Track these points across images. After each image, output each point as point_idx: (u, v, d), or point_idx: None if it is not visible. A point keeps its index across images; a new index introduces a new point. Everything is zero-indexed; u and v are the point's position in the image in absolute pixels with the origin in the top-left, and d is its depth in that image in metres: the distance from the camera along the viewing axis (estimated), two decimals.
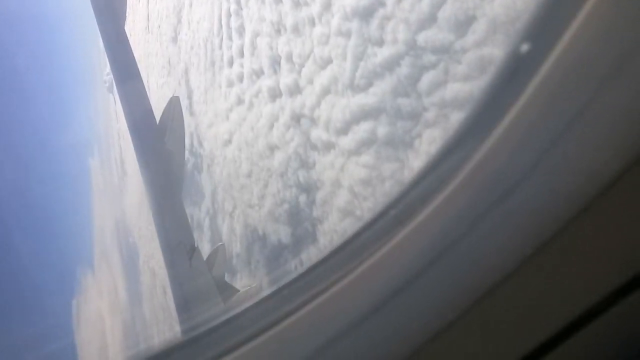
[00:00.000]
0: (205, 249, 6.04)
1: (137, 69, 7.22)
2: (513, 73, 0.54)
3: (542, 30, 0.53)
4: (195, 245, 5.55)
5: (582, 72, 0.49)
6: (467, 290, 0.48)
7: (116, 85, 7.68)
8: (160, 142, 6.26)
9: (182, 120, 6.11)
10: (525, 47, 0.53)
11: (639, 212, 0.47)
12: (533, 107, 0.50)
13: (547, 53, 0.50)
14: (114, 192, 11.06)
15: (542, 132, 0.49)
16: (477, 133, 0.53)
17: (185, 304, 4.18)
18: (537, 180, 0.48)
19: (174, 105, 6.22)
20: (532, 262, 0.47)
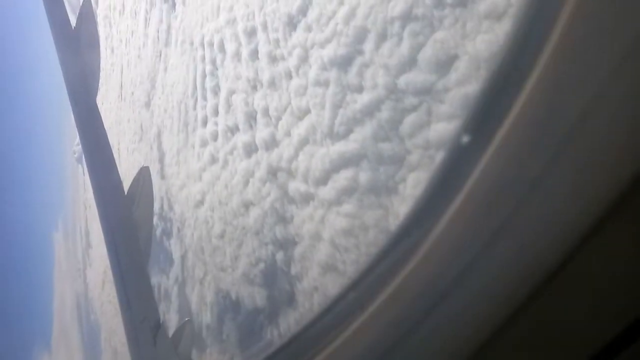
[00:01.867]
0: (172, 320, 5.64)
1: (107, 140, 7.13)
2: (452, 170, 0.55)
3: (478, 129, 0.54)
4: (161, 321, 5.22)
5: (514, 172, 0.49)
6: None
7: (85, 156, 7.55)
8: (127, 213, 6.09)
9: (151, 190, 5.96)
10: (465, 139, 0.54)
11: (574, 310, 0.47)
12: (468, 207, 0.50)
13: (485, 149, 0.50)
14: (76, 266, 10.55)
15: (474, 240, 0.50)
16: (413, 236, 0.55)
17: None
18: (471, 285, 0.48)
19: (143, 175, 6.09)
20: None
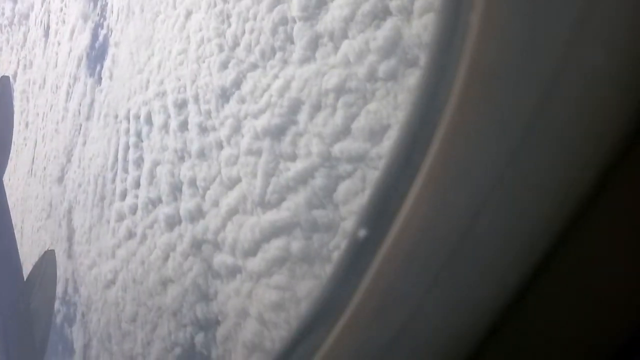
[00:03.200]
0: None
1: (10, 221, 6.64)
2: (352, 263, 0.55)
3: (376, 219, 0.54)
4: None
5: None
6: None
7: None
8: (25, 302, 5.59)
9: (55, 276, 5.52)
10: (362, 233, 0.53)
11: None
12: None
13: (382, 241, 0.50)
14: None
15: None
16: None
17: None
18: None
19: (47, 259, 5.66)
20: None
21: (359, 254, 0.54)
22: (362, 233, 0.54)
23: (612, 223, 0.46)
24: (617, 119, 0.44)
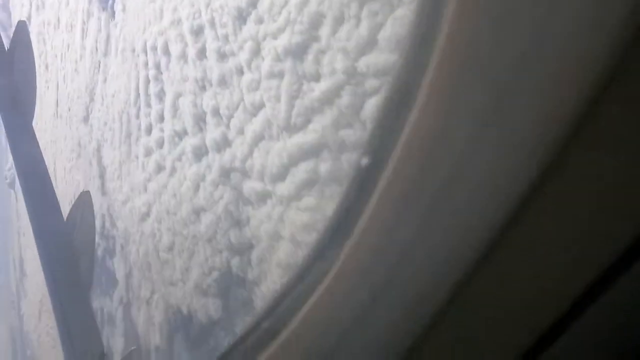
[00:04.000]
0: (118, 346, 5.24)
1: (44, 163, 6.78)
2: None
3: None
4: (105, 351, 4.89)
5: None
6: None
7: (20, 182, 7.20)
8: (66, 241, 5.80)
9: (93, 216, 5.68)
10: None
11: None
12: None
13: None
14: (9, 299, 9.77)
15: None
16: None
17: None
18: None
19: (83, 200, 5.81)
20: None
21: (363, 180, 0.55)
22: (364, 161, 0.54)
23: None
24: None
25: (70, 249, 5.62)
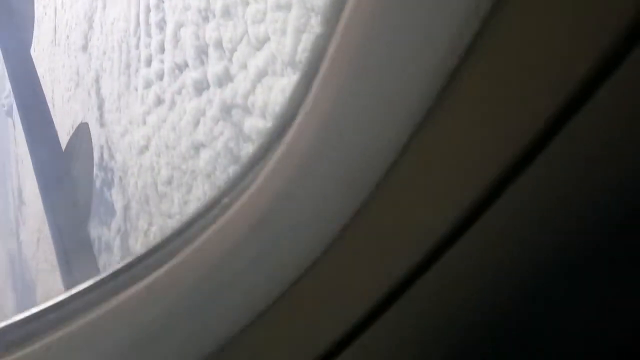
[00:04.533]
0: None
1: (42, 92, 6.69)
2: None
3: None
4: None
5: None
6: None
7: (17, 110, 7.15)
8: (65, 171, 5.80)
9: (91, 147, 5.65)
10: None
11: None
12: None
13: None
14: (8, 225, 9.91)
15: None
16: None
17: None
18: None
19: (81, 132, 5.76)
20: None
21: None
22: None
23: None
24: None
25: (68, 179, 5.64)
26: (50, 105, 7.06)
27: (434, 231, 0.43)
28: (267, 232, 0.49)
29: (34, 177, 6.09)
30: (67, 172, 5.77)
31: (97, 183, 5.87)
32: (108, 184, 5.64)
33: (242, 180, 0.55)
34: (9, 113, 10.16)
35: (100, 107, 6.26)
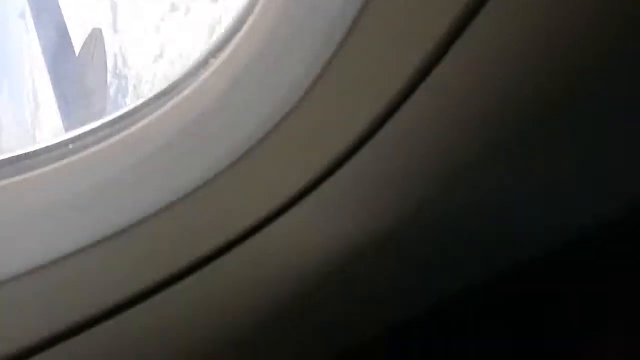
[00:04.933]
0: None
1: None
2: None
3: None
4: None
5: None
6: None
7: (31, 13, 7.04)
8: (79, 77, 5.82)
9: (104, 53, 5.58)
10: None
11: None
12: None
13: None
14: (24, 127, 10.08)
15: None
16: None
17: None
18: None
19: (95, 37, 5.67)
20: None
21: None
22: None
23: None
24: None
25: (82, 86, 5.68)
26: (63, 8, 6.92)
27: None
28: (244, 89, 0.50)
29: (48, 80, 6.14)
30: (81, 78, 5.81)
31: (112, 90, 5.87)
32: (123, 91, 5.62)
33: (224, 45, 0.57)
34: (22, 16, 10.01)
35: (114, 10, 6.11)
